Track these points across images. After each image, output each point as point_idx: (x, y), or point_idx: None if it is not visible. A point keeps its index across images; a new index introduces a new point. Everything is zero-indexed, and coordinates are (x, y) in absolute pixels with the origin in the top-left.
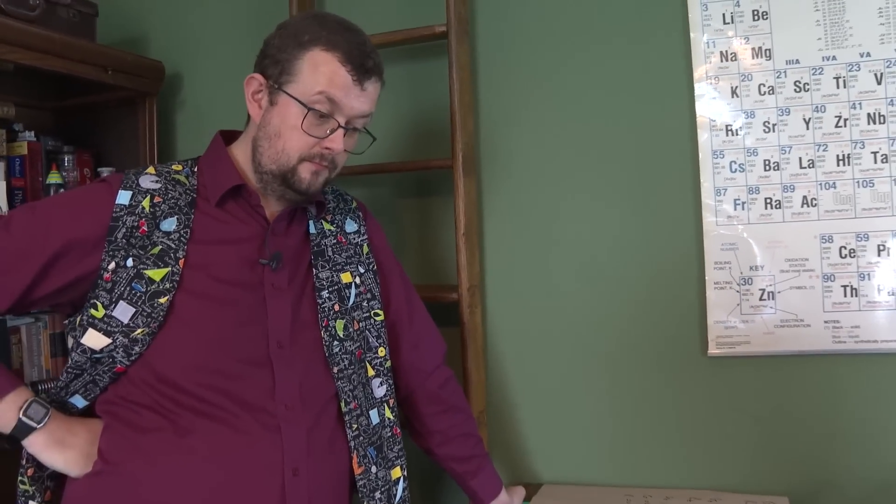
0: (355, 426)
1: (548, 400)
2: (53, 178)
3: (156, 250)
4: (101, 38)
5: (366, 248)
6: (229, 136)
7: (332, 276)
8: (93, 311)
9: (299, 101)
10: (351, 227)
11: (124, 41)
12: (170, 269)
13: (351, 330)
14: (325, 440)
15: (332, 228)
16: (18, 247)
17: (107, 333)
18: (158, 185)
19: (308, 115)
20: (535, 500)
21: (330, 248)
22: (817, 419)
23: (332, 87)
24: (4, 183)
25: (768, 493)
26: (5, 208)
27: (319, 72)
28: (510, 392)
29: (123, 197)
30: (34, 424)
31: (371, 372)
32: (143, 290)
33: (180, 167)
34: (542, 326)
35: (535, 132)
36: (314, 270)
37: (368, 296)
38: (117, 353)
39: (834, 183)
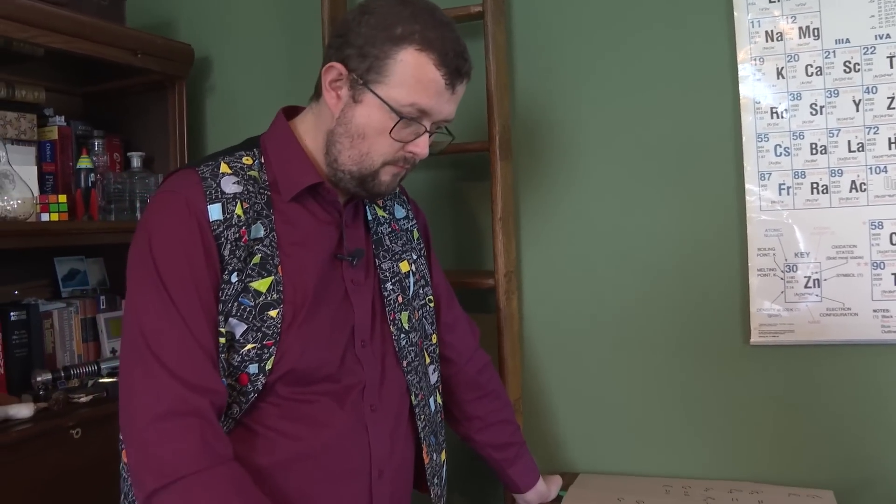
0: (423, 417)
1: (585, 388)
2: (84, 162)
3: (257, 259)
4: (130, 21)
5: (416, 233)
6: (289, 112)
7: (393, 267)
8: (222, 341)
9: (390, 107)
10: (400, 212)
11: (153, 25)
12: (273, 277)
13: (413, 321)
14: (403, 438)
15: (384, 215)
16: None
17: (232, 350)
18: (241, 188)
19: (400, 124)
20: (571, 489)
21: (387, 237)
22: (864, 411)
23: (425, 96)
24: (36, 168)
25: (812, 485)
26: (36, 192)
27: (413, 77)
28: (546, 380)
29: (215, 212)
30: None
31: (427, 359)
32: (252, 304)
33: (250, 160)
34: (580, 313)
35: (572, 115)
36: (376, 261)
37: (423, 282)
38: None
39: (885, 167)
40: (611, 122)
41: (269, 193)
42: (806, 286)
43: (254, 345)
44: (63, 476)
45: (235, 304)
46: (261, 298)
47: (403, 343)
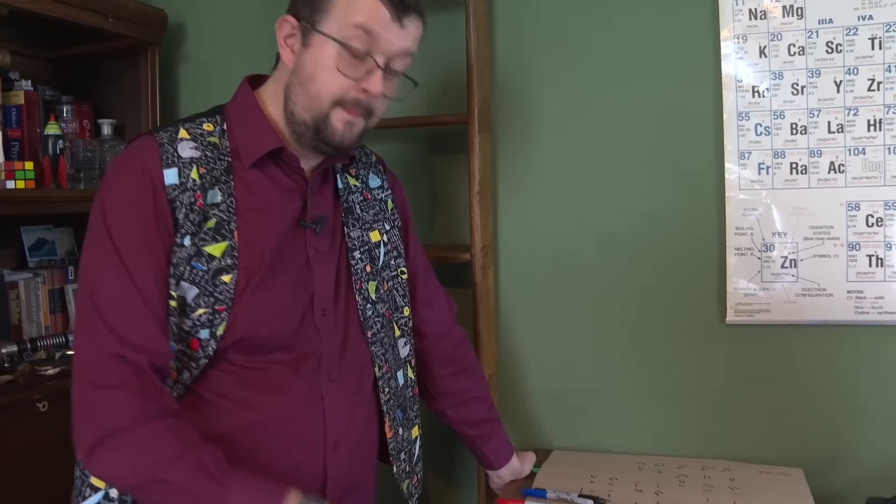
0: (387, 390)
1: (560, 364)
2: (51, 128)
3: (211, 223)
4: None
5: (390, 204)
6: (255, 81)
7: (363, 236)
8: (172, 304)
9: (334, 39)
10: (374, 182)
11: None
12: (228, 243)
13: (382, 291)
14: (363, 410)
15: (357, 184)
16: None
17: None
18: (199, 154)
19: (344, 53)
20: (545, 466)
21: (358, 206)
22: (836, 391)
23: (370, 20)
24: (0, 133)
25: (783, 463)
26: (1, 159)
27: (356, 4)
28: (521, 356)
29: (171, 176)
30: None
31: (397, 332)
32: (205, 268)
33: (211, 126)
34: (556, 289)
35: (553, 89)
36: (345, 229)
37: (395, 253)
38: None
39: (863, 149)
40: (591, 97)
41: (229, 160)
42: (782, 266)
43: (205, 310)
44: (29, 449)
45: (188, 267)
46: (214, 263)
47: (369, 313)
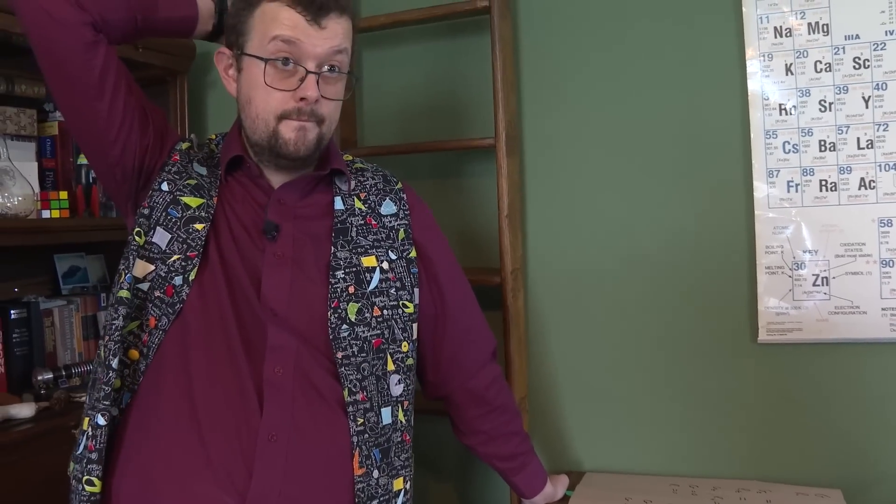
0: (360, 420)
1: (591, 386)
2: (84, 158)
3: (191, 181)
4: None
5: (402, 234)
6: None
7: (352, 258)
8: (137, 240)
9: (258, 57)
10: (388, 209)
11: None
12: (205, 201)
13: (367, 315)
14: (320, 423)
15: (362, 208)
16: None
17: (149, 260)
18: (195, 149)
19: (269, 68)
20: (578, 489)
21: (355, 229)
22: (872, 410)
23: (287, 30)
24: (36, 164)
25: (820, 484)
26: (37, 189)
27: (270, 19)
28: (553, 378)
29: (179, 144)
30: None
31: (391, 366)
32: (179, 215)
33: (214, 136)
34: (586, 311)
35: (579, 111)
36: (332, 248)
37: (398, 284)
38: (154, 291)
39: (894, 164)
40: (618, 117)
41: (217, 161)
42: (814, 284)
43: (178, 256)
44: (63, 476)
45: (164, 213)
46: (189, 212)
47: (344, 334)
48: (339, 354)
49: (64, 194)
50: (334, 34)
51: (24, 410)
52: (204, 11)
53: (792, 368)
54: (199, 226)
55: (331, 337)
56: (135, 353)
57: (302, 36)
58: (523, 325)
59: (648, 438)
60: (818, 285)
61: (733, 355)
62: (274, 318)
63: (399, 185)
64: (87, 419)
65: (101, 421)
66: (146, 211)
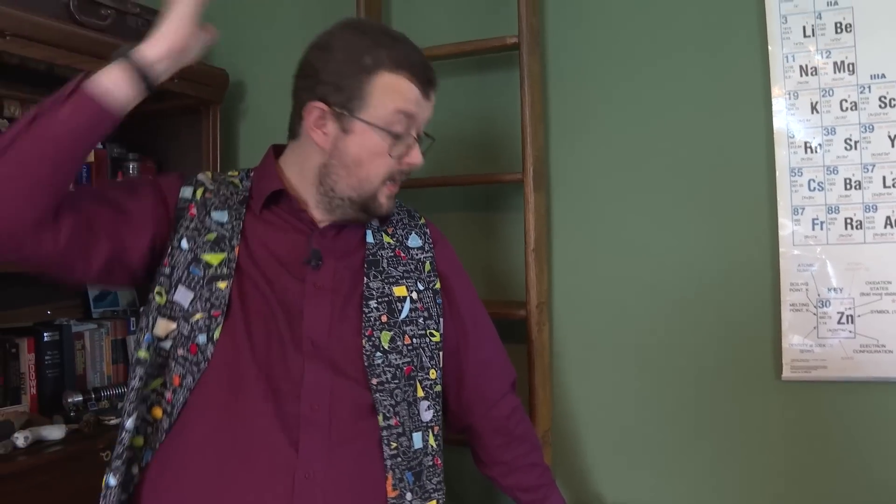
0: (394, 445)
1: (615, 420)
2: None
3: (211, 236)
4: None
5: (428, 266)
6: (279, 150)
7: (384, 288)
8: (158, 299)
9: (380, 128)
10: (415, 242)
11: None
12: (226, 254)
13: (399, 343)
14: (355, 452)
15: (391, 242)
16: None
17: (171, 318)
18: (211, 186)
19: (388, 138)
20: None
21: (385, 261)
22: None
23: (408, 103)
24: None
25: None
26: None
27: (393, 93)
28: (576, 412)
29: (185, 191)
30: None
31: (420, 392)
32: (201, 273)
33: (236, 173)
34: (611, 345)
35: (606, 147)
36: (365, 279)
37: (426, 314)
38: (177, 349)
39: None
40: (645, 154)
41: (246, 194)
42: (839, 322)
43: (202, 314)
44: (93, 499)
45: (186, 271)
46: (210, 270)
47: (378, 361)
48: (374, 381)
49: None
50: (432, 105)
51: (54, 432)
52: (110, 86)
53: (816, 406)
54: (221, 284)
55: (365, 364)
56: (158, 412)
57: (417, 109)
58: (548, 359)
59: (671, 474)
60: (843, 323)
61: (757, 392)
62: (312, 352)
63: (423, 221)
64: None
65: (112, 481)
66: (167, 270)
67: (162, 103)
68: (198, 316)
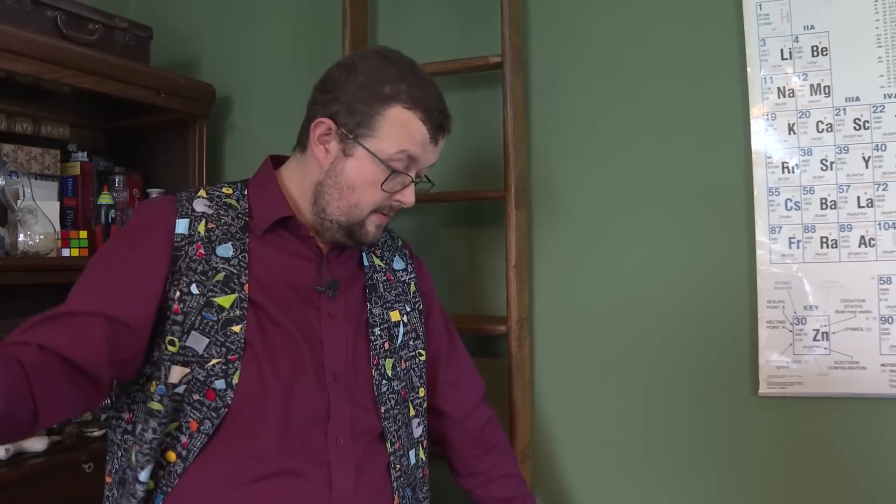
0: (398, 467)
1: (594, 435)
2: (104, 198)
3: (220, 276)
4: (155, 59)
5: (413, 287)
6: (278, 161)
7: (384, 314)
8: (170, 348)
9: (380, 160)
10: (399, 264)
11: (176, 63)
12: (237, 294)
13: (398, 369)
14: (372, 479)
15: (381, 265)
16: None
17: (185, 364)
18: (211, 211)
19: (386, 173)
20: None
21: (381, 285)
22: (873, 466)
23: (414, 145)
24: (58, 203)
25: None
26: (58, 227)
27: (402, 130)
28: (556, 426)
29: (182, 226)
30: None
31: (412, 412)
32: (215, 318)
33: (230, 190)
34: (590, 361)
35: (587, 166)
36: (368, 305)
37: (414, 335)
38: (192, 394)
39: (894, 223)
40: (625, 172)
41: (246, 220)
42: (814, 339)
43: (218, 360)
44: None
45: (199, 317)
46: (224, 314)
47: (384, 389)
48: (382, 409)
49: (84, 233)
50: (439, 150)
51: (36, 444)
52: None
53: (792, 422)
54: (236, 328)
55: (375, 394)
56: (172, 455)
57: (422, 152)
58: (528, 374)
59: (651, 488)
60: (818, 340)
61: (734, 408)
62: (333, 384)
63: (401, 242)
64: None
65: None
66: (179, 317)
67: (149, 117)
68: (214, 361)
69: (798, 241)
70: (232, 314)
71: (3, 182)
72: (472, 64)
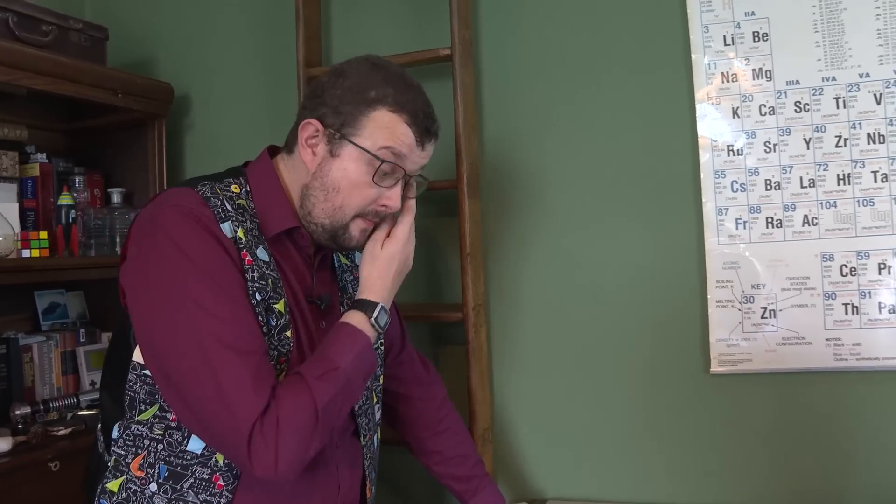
0: (369, 455)
1: (552, 417)
2: (64, 199)
3: (270, 282)
4: (112, 59)
5: None
6: (272, 151)
7: None
8: None
9: (365, 150)
10: (358, 258)
11: (133, 63)
12: (284, 299)
13: None
14: (353, 472)
15: (347, 263)
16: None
17: None
18: (233, 212)
19: (379, 170)
20: None
21: (350, 285)
22: (820, 436)
23: (398, 143)
24: (17, 205)
25: None
26: (17, 229)
27: (386, 131)
28: (515, 409)
29: (227, 230)
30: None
31: (375, 399)
32: (275, 323)
33: (238, 189)
34: (546, 344)
35: (538, 154)
36: (341, 308)
37: None
38: None
39: (835, 202)
40: (576, 159)
41: (258, 221)
42: (762, 317)
43: (273, 362)
44: None
45: (266, 325)
46: (281, 319)
47: None
48: (356, 407)
49: (44, 234)
50: (428, 155)
51: (0, 445)
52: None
53: (743, 398)
54: (288, 333)
55: None
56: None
57: (408, 153)
58: (486, 360)
59: (608, 467)
60: (766, 318)
61: (688, 386)
62: None
63: None
64: None
65: None
66: (264, 329)
67: (108, 117)
68: (272, 364)
69: (745, 222)
70: (286, 319)
71: None
72: (423, 57)
